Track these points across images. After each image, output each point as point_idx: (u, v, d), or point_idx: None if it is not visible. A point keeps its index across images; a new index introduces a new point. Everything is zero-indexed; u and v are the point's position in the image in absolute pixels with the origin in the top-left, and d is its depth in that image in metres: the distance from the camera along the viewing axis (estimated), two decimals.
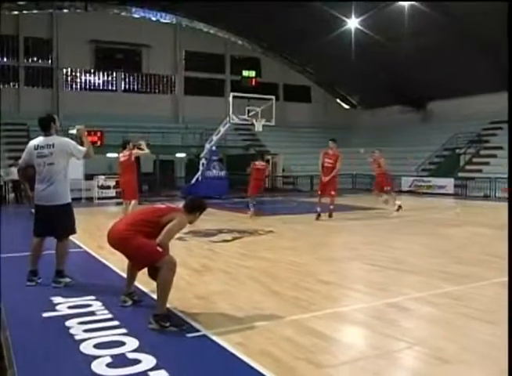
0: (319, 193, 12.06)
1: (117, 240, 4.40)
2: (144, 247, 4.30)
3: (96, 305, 4.74)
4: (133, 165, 10.64)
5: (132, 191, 10.56)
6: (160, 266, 4.28)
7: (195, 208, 4.63)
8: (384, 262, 6.93)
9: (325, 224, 11.38)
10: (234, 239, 9.03)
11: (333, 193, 11.81)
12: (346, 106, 35.80)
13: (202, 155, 19.87)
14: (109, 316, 4.46)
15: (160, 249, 4.27)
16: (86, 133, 5.79)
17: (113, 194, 18.31)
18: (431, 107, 29.50)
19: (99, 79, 28.74)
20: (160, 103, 29.47)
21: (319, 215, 11.61)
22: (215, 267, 6.66)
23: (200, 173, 19.30)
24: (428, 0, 21.72)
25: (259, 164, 14.30)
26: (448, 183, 21.78)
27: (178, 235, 9.19)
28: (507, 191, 12.98)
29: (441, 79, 25.64)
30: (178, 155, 25.50)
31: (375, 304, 4.95)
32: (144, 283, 5.26)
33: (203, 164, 19.59)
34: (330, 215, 11.76)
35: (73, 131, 5.84)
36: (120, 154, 10.61)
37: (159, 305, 4.26)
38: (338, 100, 35.52)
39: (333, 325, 4.33)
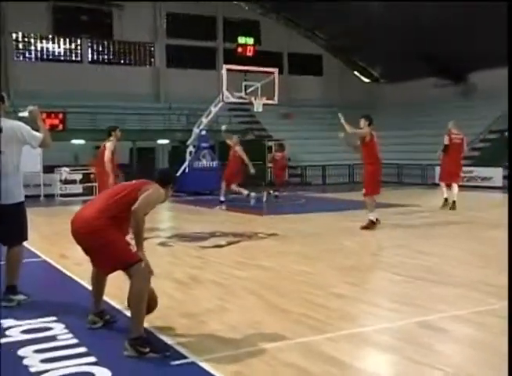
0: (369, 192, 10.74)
1: (82, 233, 4.37)
2: (115, 243, 4.30)
3: (58, 328, 4.75)
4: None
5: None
6: (131, 274, 4.29)
7: (167, 180, 4.73)
8: (414, 272, 6.95)
9: (339, 225, 11.44)
10: (229, 244, 9.07)
11: (363, 190, 10.77)
12: (366, 80, 35.82)
13: (189, 142, 19.89)
14: (75, 341, 4.47)
15: (132, 250, 4.28)
16: (41, 116, 5.76)
17: (80, 190, 18.34)
18: (474, 79, 29.48)
19: (59, 47, 28.63)
20: (137, 77, 29.49)
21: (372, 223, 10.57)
22: (206, 278, 6.69)
23: (186, 164, 19.32)
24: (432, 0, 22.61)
25: (275, 154, 16.78)
26: (496, 174, 21.81)
27: (159, 239, 9.43)
28: None
29: (488, 42, 25.51)
30: (160, 142, 25.53)
31: (403, 323, 4.96)
32: (117, 297, 5.27)
33: (190, 152, 19.63)
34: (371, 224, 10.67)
35: (25, 114, 5.71)
36: (108, 144, 10.73)
37: (134, 325, 4.27)
38: (356, 72, 35.55)
39: (351, 350, 4.34)
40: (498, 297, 5.65)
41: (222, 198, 15.94)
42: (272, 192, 17.82)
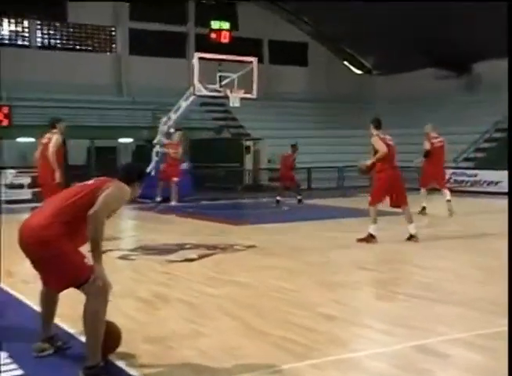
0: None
1: (31, 244, 4.27)
2: (68, 255, 4.22)
3: (1, 358, 4.68)
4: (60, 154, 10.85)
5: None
6: (86, 292, 4.24)
7: (133, 176, 4.62)
8: (411, 289, 7.00)
9: (327, 235, 11.50)
10: (201, 257, 9.06)
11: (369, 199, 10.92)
12: (357, 71, 36.12)
13: (156, 141, 19.84)
14: (20, 372, 4.41)
15: (87, 263, 4.23)
16: None
17: (29, 196, 18.13)
18: (480, 70, 29.83)
19: (2, 29, 28.32)
20: (95, 66, 29.35)
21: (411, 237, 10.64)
22: (174, 297, 6.68)
23: (153, 165, 19.26)
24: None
25: (286, 152, 18.24)
26: (503, 178, 21.90)
27: (120, 252, 9.39)
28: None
29: (495, 29, 25.76)
30: (122, 140, 25.51)
31: (398, 347, 4.99)
32: (70, 320, 5.22)
33: (157, 152, 19.60)
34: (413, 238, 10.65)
35: None
36: (53, 138, 10.68)
37: (90, 352, 4.24)
38: (346, 63, 35.84)
39: None
40: (503, 316, 5.70)
41: (174, 203, 15.98)
42: (298, 197, 18.13)
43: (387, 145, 10.47)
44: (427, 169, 14.96)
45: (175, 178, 17.40)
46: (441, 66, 30.48)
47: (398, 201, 10.58)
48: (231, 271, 8.08)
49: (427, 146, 14.75)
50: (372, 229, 10.47)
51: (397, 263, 8.77)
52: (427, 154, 14.65)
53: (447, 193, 14.65)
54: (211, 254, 9.29)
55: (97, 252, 4.20)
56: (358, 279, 7.72)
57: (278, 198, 17.94)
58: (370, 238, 10.43)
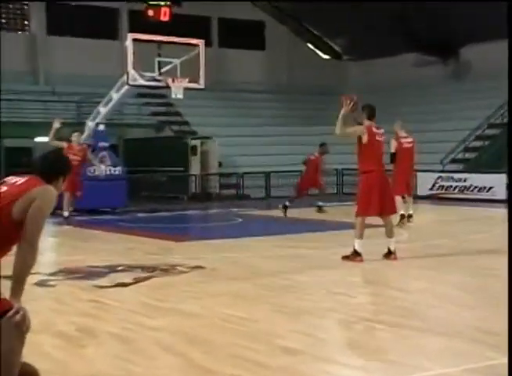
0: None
1: None
2: None
3: None
4: None
5: None
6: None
7: (56, 172, 4.44)
8: (388, 316, 7.08)
9: (289, 253, 11.59)
10: (136, 281, 9.03)
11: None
12: (324, 56, 36.44)
13: (79, 138, 19.70)
14: None
15: (2, 295, 4.17)
16: None
17: None
18: (468, 55, 30.34)
19: None
20: (5, 47, 28.86)
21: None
22: (103, 331, 6.63)
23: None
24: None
25: (312, 154, 18.69)
26: (497, 182, 22.17)
27: (38, 277, 9.26)
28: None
29: (485, 7, 26.24)
30: (40, 139, 25.09)
31: None
32: None
33: None
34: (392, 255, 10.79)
35: None
36: None
37: None
38: (311, 46, 36.07)
39: None
40: (497, 348, 5.80)
41: (66, 213, 15.91)
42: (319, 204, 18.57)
43: (376, 143, 10.61)
44: (396, 175, 15.06)
45: (70, 191, 16.00)
46: (424, 50, 30.86)
47: (385, 209, 10.71)
48: (173, 298, 8.06)
49: (393, 147, 15.10)
50: (357, 243, 10.55)
51: (373, 285, 8.87)
52: (393, 157, 15.04)
53: (410, 202, 15.33)
54: (149, 278, 9.26)
55: (23, 284, 4.14)
56: (326, 305, 7.76)
57: (287, 204, 18.17)
58: (355, 256, 10.49)
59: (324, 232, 14.15)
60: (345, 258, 10.50)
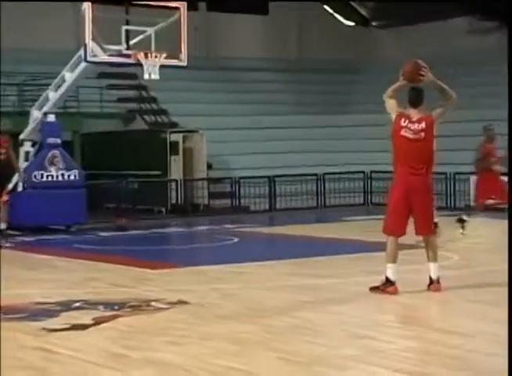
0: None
1: None
2: None
3: None
4: None
5: None
6: None
7: None
8: (435, 367, 6.99)
9: (298, 283, 11.61)
10: (99, 322, 8.97)
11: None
12: (347, 23, 36.38)
13: (23, 135, 19.85)
14: None
15: None
16: None
17: None
18: None
19: None
20: None
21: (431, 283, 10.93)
22: None
23: (20, 175, 19.11)
24: None
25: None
26: None
27: None
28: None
29: None
30: None
31: None
32: None
33: (26, 153, 19.67)
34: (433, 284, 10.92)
35: None
36: None
37: None
38: (329, 9, 35.98)
39: None
40: None
41: (3, 226, 16.07)
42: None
43: (400, 137, 10.66)
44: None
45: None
46: (479, 14, 30.91)
47: (420, 226, 10.72)
48: (147, 344, 7.96)
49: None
50: (390, 271, 10.54)
51: (411, 325, 8.80)
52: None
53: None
54: (115, 318, 9.18)
55: None
56: (348, 352, 7.68)
57: (465, 218, 16.92)
58: (386, 285, 10.49)
59: (343, 254, 14.09)
60: (374, 289, 10.48)
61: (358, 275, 10.62)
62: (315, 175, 25.54)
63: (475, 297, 10.40)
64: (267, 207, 25.37)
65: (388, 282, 10.45)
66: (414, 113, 10.69)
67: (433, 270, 10.65)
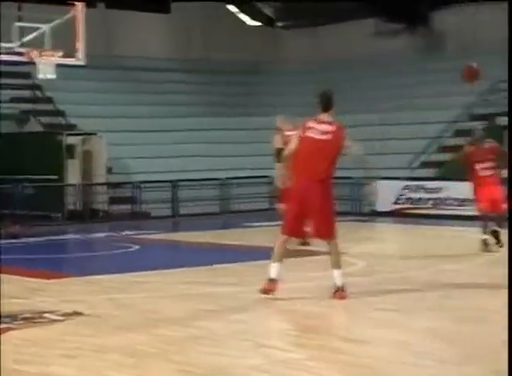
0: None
1: None
2: None
3: None
4: None
5: None
6: None
7: None
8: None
9: (200, 291, 11.65)
10: None
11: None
12: (252, 23, 36.49)
13: None
14: None
15: None
16: None
17: None
18: (443, 21, 30.87)
19: None
20: None
21: None
22: None
23: None
24: None
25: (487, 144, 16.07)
26: None
27: None
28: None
29: None
30: None
31: None
32: None
33: None
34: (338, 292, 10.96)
35: None
36: None
37: None
38: (233, 8, 36.03)
39: None
40: None
41: None
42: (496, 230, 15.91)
43: (305, 139, 10.74)
44: None
45: None
46: (388, 15, 31.22)
47: (319, 230, 10.84)
48: (40, 358, 7.77)
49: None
50: (273, 270, 10.60)
51: (314, 334, 8.81)
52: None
53: None
54: (5, 331, 8.96)
55: None
56: (252, 362, 7.64)
57: (485, 238, 15.74)
58: (269, 286, 10.57)
59: (246, 262, 14.13)
60: (263, 291, 10.59)
61: (260, 283, 10.58)
62: (219, 179, 25.58)
63: (380, 305, 10.48)
64: (169, 213, 25.33)
65: (271, 281, 10.57)
66: (324, 117, 10.80)
67: (337, 277, 10.71)
